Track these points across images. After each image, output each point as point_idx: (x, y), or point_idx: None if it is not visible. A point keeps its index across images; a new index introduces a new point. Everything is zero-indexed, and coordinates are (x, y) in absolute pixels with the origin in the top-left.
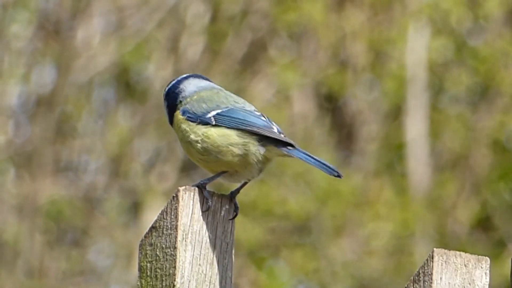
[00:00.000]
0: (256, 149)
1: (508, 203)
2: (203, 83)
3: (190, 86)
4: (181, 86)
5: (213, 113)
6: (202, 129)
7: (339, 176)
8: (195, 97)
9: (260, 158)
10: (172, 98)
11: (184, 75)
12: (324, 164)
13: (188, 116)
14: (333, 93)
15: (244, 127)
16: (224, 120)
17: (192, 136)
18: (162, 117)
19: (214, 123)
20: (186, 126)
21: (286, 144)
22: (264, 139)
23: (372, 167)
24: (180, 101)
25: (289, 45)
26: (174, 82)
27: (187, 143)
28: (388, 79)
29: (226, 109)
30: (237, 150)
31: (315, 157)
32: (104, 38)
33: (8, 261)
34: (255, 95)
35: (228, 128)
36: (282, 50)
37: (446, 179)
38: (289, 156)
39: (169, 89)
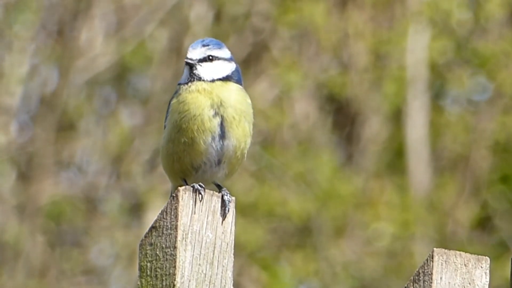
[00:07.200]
0: None
1: (508, 205)
2: None
3: None
4: None
5: None
6: None
7: None
8: None
9: None
10: None
11: None
12: None
13: None
14: (334, 94)
15: None
16: None
17: None
18: (163, 117)
19: None
20: None
21: None
22: None
23: (373, 168)
24: None
25: (291, 46)
26: None
27: None
28: (389, 80)
29: None
30: None
31: None
32: (105, 39)
33: (9, 261)
34: (258, 95)
35: None
36: (284, 51)
37: (446, 180)
38: None
39: None
